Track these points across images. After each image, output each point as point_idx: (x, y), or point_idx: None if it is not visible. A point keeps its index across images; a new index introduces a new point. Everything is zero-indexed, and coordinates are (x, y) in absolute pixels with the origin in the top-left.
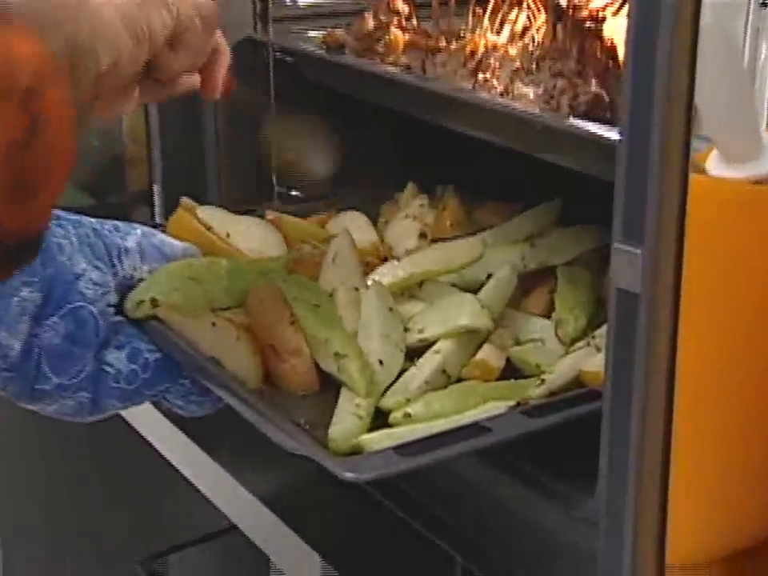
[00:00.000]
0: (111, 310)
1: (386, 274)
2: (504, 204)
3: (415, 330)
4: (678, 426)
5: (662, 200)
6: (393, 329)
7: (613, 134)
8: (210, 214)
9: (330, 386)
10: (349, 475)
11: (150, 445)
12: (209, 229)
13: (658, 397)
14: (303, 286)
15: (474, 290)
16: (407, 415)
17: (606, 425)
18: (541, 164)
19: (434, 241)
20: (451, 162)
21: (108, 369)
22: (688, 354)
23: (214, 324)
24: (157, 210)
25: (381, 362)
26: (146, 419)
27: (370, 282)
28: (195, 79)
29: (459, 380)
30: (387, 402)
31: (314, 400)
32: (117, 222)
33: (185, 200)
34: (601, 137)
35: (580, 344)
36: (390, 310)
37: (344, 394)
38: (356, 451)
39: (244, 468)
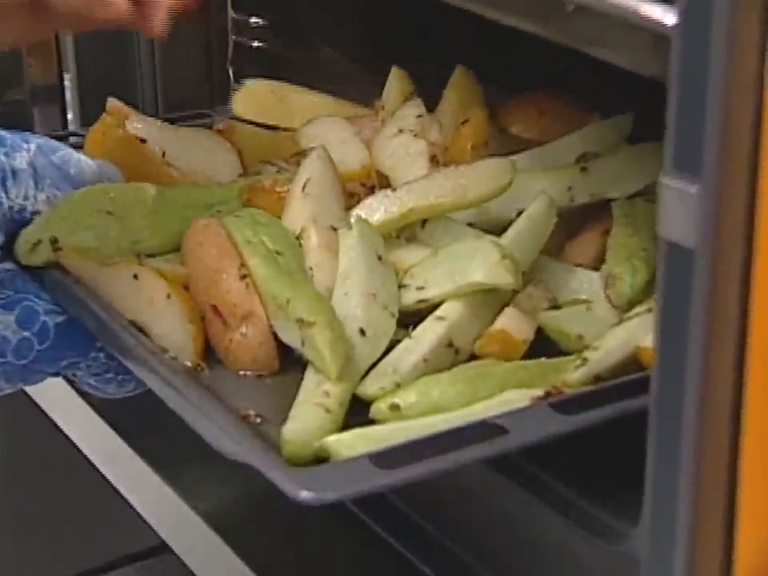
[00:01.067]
0: None
1: (376, 209)
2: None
3: (413, 287)
4: (749, 429)
5: (728, 114)
6: (382, 285)
7: (670, 18)
8: (144, 123)
9: (293, 365)
10: (305, 494)
11: (62, 433)
12: (142, 143)
13: (721, 388)
14: (261, 224)
15: (499, 231)
16: (395, 407)
17: (653, 429)
18: (598, 61)
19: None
20: (471, 52)
21: None
22: (763, 331)
23: (136, 276)
24: (71, 113)
25: (362, 332)
26: (57, 400)
27: (352, 220)
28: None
29: (471, 358)
30: (368, 387)
31: (271, 384)
32: (0, 133)
33: (112, 102)
34: (656, 21)
35: (639, 309)
36: (379, 258)
37: (309, 376)
38: (320, 458)
39: (182, 473)
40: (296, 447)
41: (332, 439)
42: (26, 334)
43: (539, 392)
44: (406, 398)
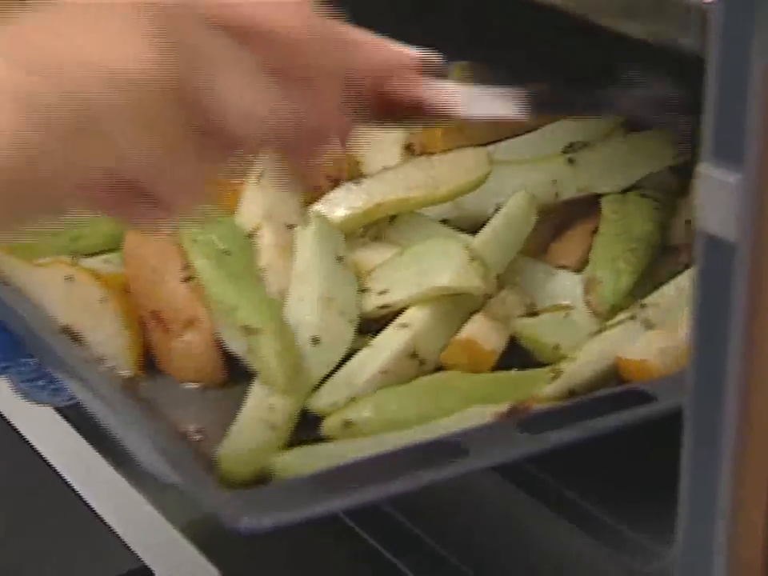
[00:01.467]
0: None
1: (339, 204)
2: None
3: (375, 291)
4: None
5: None
6: (340, 289)
7: None
8: None
9: (241, 376)
10: (243, 521)
11: (28, 444)
12: None
13: (763, 392)
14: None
15: (476, 229)
16: (348, 424)
17: (688, 439)
18: (602, 33)
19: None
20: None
21: None
22: None
23: (70, 278)
24: None
25: (316, 341)
26: (23, 407)
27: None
28: None
29: (437, 370)
30: (320, 401)
31: (216, 396)
32: None
33: None
34: None
35: (622, 316)
36: (339, 259)
37: (255, 389)
38: (261, 479)
39: (163, 488)
40: (234, 467)
41: (275, 458)
42: None
43: (505, 407)
44: (361, 413)
